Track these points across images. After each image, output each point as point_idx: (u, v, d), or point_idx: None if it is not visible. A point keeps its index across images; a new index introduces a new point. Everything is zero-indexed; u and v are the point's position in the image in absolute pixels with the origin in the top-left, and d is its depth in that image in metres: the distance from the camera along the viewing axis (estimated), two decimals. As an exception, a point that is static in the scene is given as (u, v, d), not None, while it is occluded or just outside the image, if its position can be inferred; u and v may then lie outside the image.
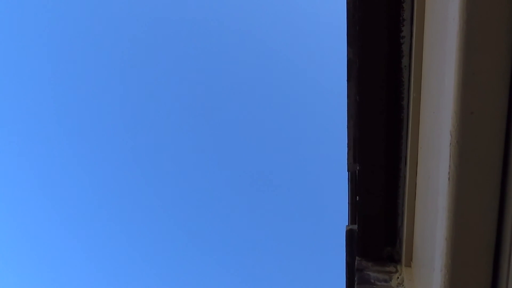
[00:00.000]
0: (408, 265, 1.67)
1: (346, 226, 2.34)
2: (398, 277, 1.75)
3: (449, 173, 0.99)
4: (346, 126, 2.33)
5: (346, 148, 2.32)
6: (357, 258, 1.84)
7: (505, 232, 0.97)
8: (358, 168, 1.81)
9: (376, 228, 1.80)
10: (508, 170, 0.97)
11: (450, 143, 0.99)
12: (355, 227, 2.07)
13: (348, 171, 2.40)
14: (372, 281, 1.77)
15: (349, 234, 2.21)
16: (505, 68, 0.94)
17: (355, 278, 1.81)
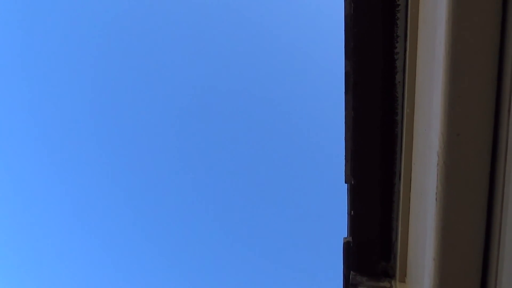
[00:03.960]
0: (403, 280, 1.67)
1: (344, 238, 2.34)
2: (392, 292, 1.75)
3: (436, 193, 1.00)
4: (344, 138, 2.34)
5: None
6: (351, 272, 1.84)
7: (492, 253, 0.98)
8: (353, 182, 1.82)
9: (370, 242, 1.81)
10: (495, 191, 0.98)
11: (438, 164, 1.00)
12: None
13: (345, 182, 2.41)
14: (367, 296, 1.77)
15: (347, 246, 2.20)
16: (490, 91, 0.95)
17: (350, 293, 1.81)
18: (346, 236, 2.47)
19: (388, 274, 1.78)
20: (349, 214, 2.45)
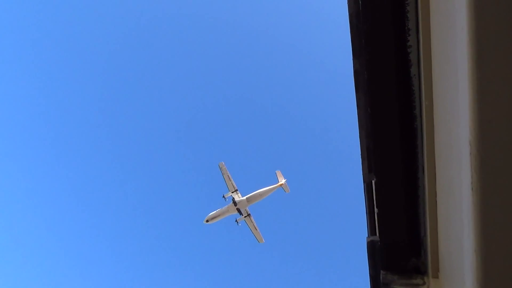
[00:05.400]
0: (436, 276, 1.63)
1: (367, 237, 2.29)
2: (425, 289, 1.71)
3: (471, 183, 0.97)
4: (359, 137, 2.31)
5: (360, 159, 2.29)
6: (381, 272, 1.80)
7: (535, 240, 0.95)
8: (374, 179, 1.79)
9: (398, 239, 1.77)
10: (533, 176, 0.95)
11: (470, 153, 0.97)
12: (376, 238, 2.03)
13: (363, 182, 2.37)
14: (399, 295, 1.73)
15: (371, 246, 2.16)
16: (519, 74, 0.93)
17: (382, 293, 1.77)
18: (367, 235, 2.42)
19: (420, 270, 1.74)
20: (369, 213, 2.41)
